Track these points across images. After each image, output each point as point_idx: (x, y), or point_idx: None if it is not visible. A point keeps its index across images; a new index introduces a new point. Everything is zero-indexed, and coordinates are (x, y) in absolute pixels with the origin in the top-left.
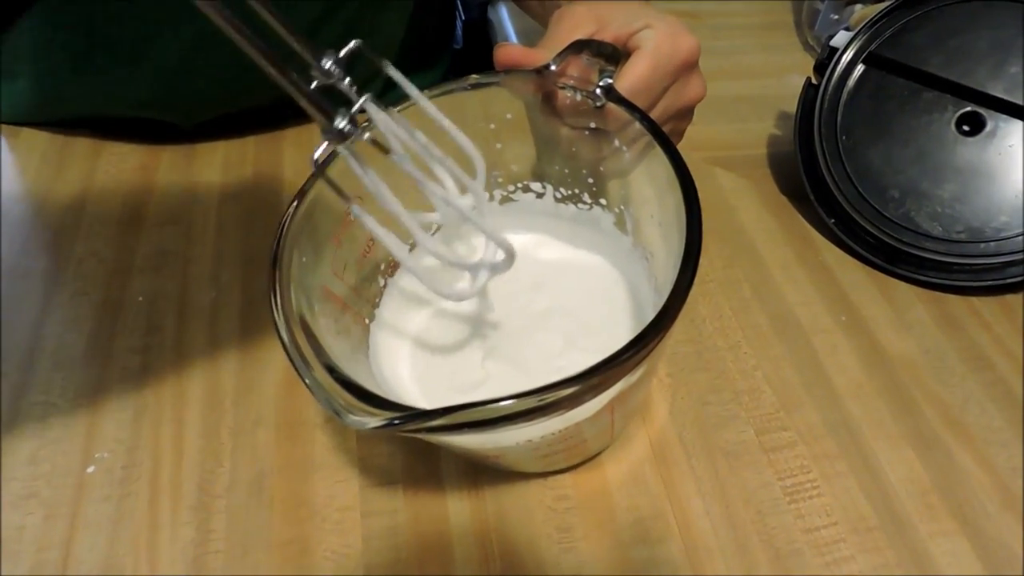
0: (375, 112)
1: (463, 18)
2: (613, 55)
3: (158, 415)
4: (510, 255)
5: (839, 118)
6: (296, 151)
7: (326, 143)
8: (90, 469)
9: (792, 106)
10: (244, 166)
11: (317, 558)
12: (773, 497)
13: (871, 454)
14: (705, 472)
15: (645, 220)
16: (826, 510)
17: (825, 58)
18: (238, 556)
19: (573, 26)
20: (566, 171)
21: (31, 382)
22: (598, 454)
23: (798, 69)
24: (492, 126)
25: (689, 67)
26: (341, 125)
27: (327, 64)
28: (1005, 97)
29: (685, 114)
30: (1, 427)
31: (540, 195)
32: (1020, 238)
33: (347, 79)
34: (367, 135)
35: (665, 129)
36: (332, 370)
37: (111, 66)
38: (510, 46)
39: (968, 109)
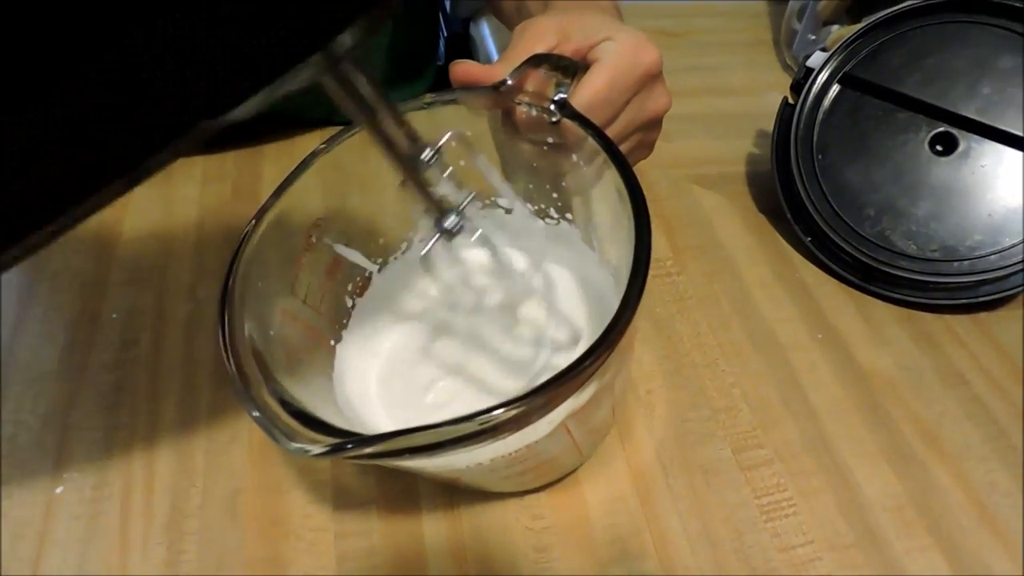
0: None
1: (445, 34)
2: (570, 68)
3: (131, 433)
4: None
5: (815, 137)
6: (275, 166)
7: (435, 238)
8: (59, 489)
9: (771, 124)
10: (223, 180)
11: None
12: (750, 515)
13: (848, 471)
14: (683, 490)
15: (606, 236)
16: (803, 528)
17: (801, 78)
18: None
19: (534, 39)
20: (531, 186)
21: (2, 399)
22: (573, 471)
23: (778, 87)
24: (453, 143)
25: (651, 78)
26: (450, 225)
27: (427, 156)
28: (977, 118)
29: (652, 126)
30: None
31: (509, 211)
32: (993, 257)
33: (446, 171)
34: (477, 234)
35: (631, 142)
36: (280, 397)
37: None
38: (466, 63)
39: (941, 129)
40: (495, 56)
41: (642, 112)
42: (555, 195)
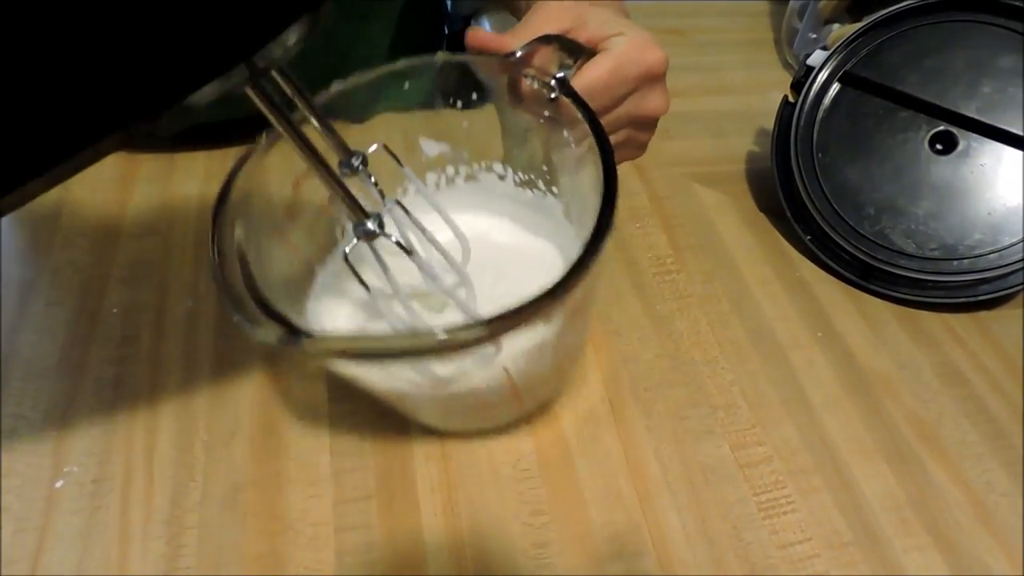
0: (397, 213)
1: (446, 31)
2: (577, 51)
3: (131, 428)
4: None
5: (815, 136)
6: (277, 163)
7: (355, 240)
8: (59, 483)
9: (771, 123)
10: (223, 177)
11: (290, 573)
12: (748, 512)
13: (846, 469)
14: (681, 487)
15: (584, 213)
16: (801, 525)
17: (802, 76)
18: (210, 571)
19: (550, 18)
20: (524, 157)
21: (2, 394)
22: (557, 441)
23: (778, 86)
24: (459, 104)
25: (653, 79)
26: (371, 227)
27: (355, 162)
28: (977, 117)
29: (646, 125)
30: None
31: (502, 177)
32: (992, 256)
33: (372, 177)
34: (394, 238)
35: (621, 135)
36: (255, 294)
37: None
38: (481, 31)
39: (941, 128)
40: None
41: (638, 108)
42: (545, 168)
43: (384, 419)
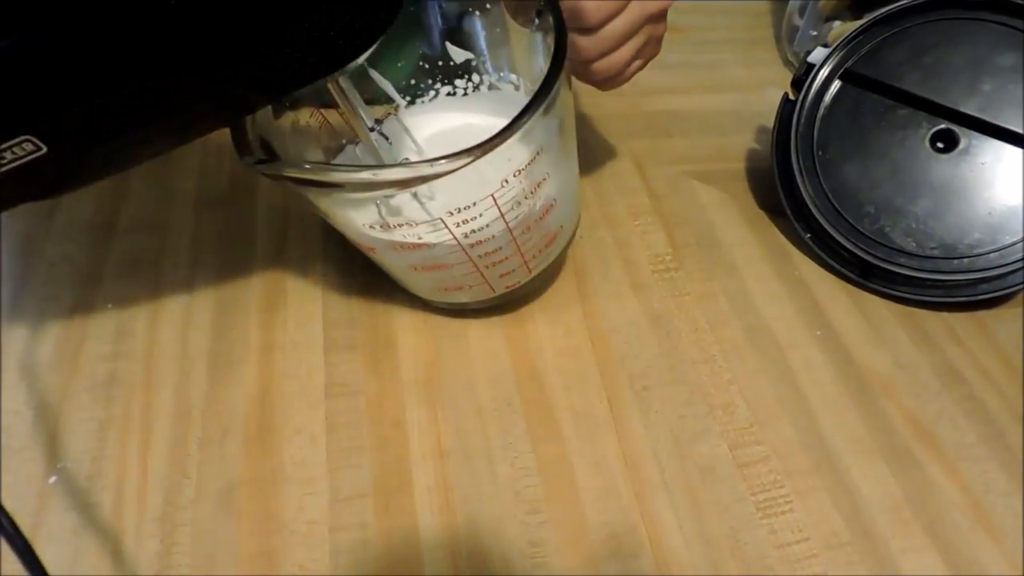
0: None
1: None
2: None
3: (125, 425)
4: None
5: (815, 133)
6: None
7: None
8: (52, 479)
9: (771, 120)
10: (220, 174)
11: (284, 572)
12: (746, 512)
13: (844, 469)
14: (678, 486)
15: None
16: (799, 525)
17: (802, 74)
18: (204, 569)
19: None
20: (526, 66)
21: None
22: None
23: (778, 84)
24: (477, 13)
25: None
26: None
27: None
28: (978, 115)
29: (658, 18)
30: None
31: (517, 87)
32: (993, 255)
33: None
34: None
35: (643, 34)
36: (263, 137)
37: None
38: None
39: (942, 126)
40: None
41: (650, 3)
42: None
43: (382, 417)
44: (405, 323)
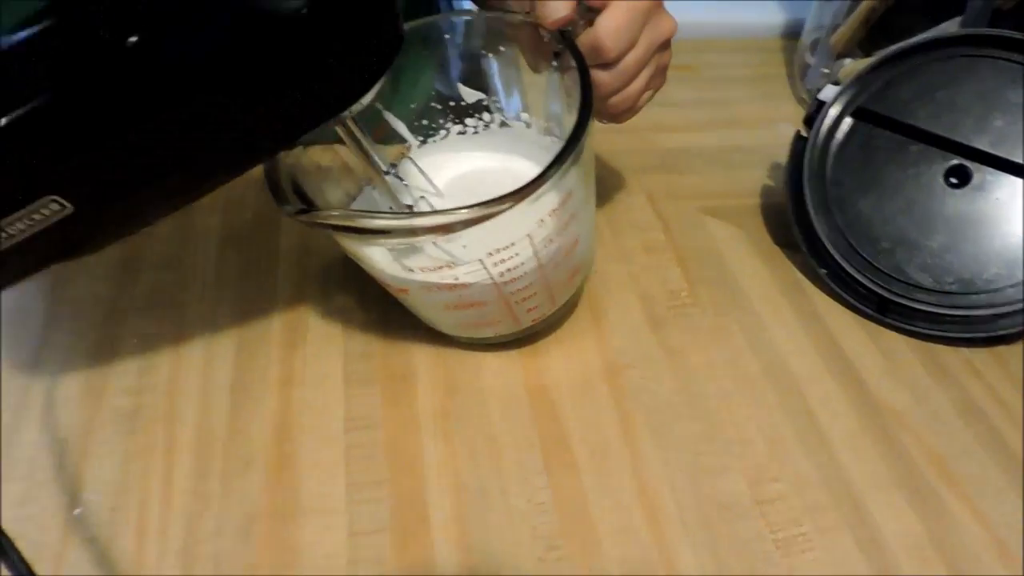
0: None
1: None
2: (586, 11)
3: (148, 457)
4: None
5: (828, 170)
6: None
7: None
8: (77, 511)
9: (784, 157)
10: (244, 210)
11: None
12: (765, 551)
13: (864, 506)
14: (696, 523)
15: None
16: (819, 564)
17: (814, 111)
18: None
19: None
20: (540, 107)
21: (23, 421)
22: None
23: (790, 120)
24: (490, 55)
25: (656, 6)
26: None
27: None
28: (990, 151)
29: (663, 48)
30: None
31: (528, 125)
32: (1011, 290)
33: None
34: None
35: (652, 65)
36: (292, 178)
37: None
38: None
39: (955, 162)
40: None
41: (658, 33)
42: (558, 117)
43: (400, 452)
44: (423, 357)
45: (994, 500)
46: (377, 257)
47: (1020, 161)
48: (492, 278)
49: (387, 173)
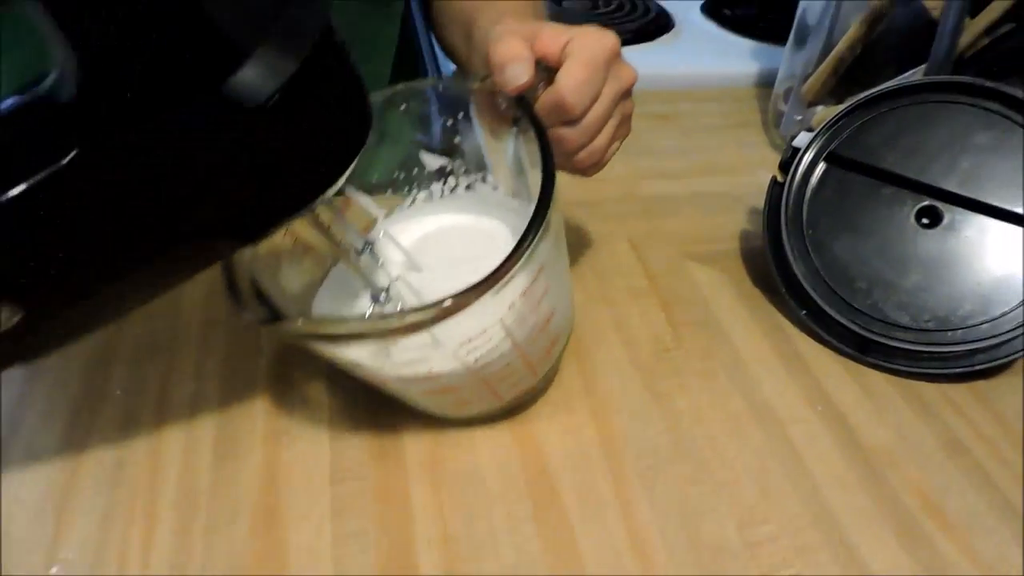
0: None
1: None
2: (542, 71)
3: (130, 513)
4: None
5: (804, 213)
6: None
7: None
8: (54, 569)
9: (761, 201)
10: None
11: None
12: None
13: (854, 545)
14: (687, 566)
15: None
16: None
17: (788, 157)
18: None
19: (513, 38)
20: (504, 170)
21: (3, 473)
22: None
23: (767, 166)
24: (449, 122)
25: (616, 56)
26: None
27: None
28: (959, 191)
29: (626, 95)
30: None
31: (495, 188)
32: (985, 325)
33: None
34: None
35: (616, 116)
36: (254, 281)
37: None
38: (512, 44)
39: (926, 203)
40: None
41: (619, 83)
42: (524, 179)
43: (387, 504)
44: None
45: (982, 535)
46: (347, 357)
47: (988, 201)
48: (466, 366)
49: (361, 252)
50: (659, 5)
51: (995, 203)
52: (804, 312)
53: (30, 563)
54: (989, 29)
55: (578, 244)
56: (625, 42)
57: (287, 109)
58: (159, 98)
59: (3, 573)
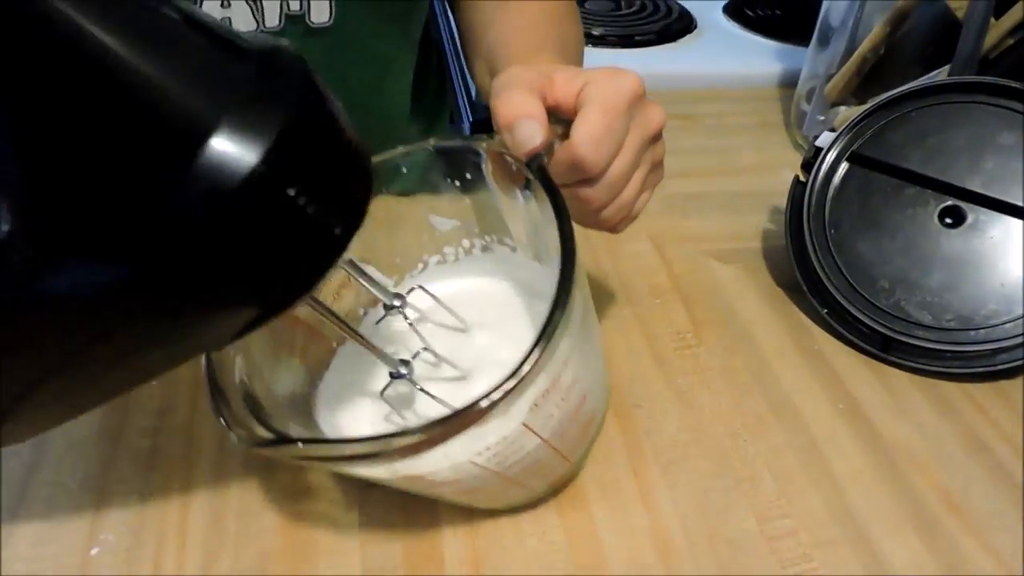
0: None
1: (471, 119)
2: (556, 122)
3: (165, 497)
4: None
5: (827, 213)
6: None
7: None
8: (94, 551)
9: (784, 201)
10: None
11: None
12: None
13: (875, 541)
14: (708, 561)
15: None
16: None
17: (811, 157)
18: None
19: (524, 85)
20: (522, 230)
21: (43, 461)
22: (584, 516)
23: (789, 165)
24: (457, 183)
25: (639, 98)
26: (403, 371)
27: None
28: (983, 191)
29: (655, 140)
30: (2, 509)
31: (513, 249)
32: (1008, 325)
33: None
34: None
35: (645, 164)
36: (247, 395)
37: None
38: (516, 97)
39: (949, 203)
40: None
41: (645, 129)
42: (543, 242)
43: (413, 497)
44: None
45: (1004, 533)
46: (361, 472)
47: (1012, 201)
48: (490, 470)
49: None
50: (681, 6)
51: (1019, 203)
52: (826, 311)
53: (71, 545)
54: (1014, 30)
55: (600, 243)
56: (648, 43)
57: (278, 174)
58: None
59: (47, 553)
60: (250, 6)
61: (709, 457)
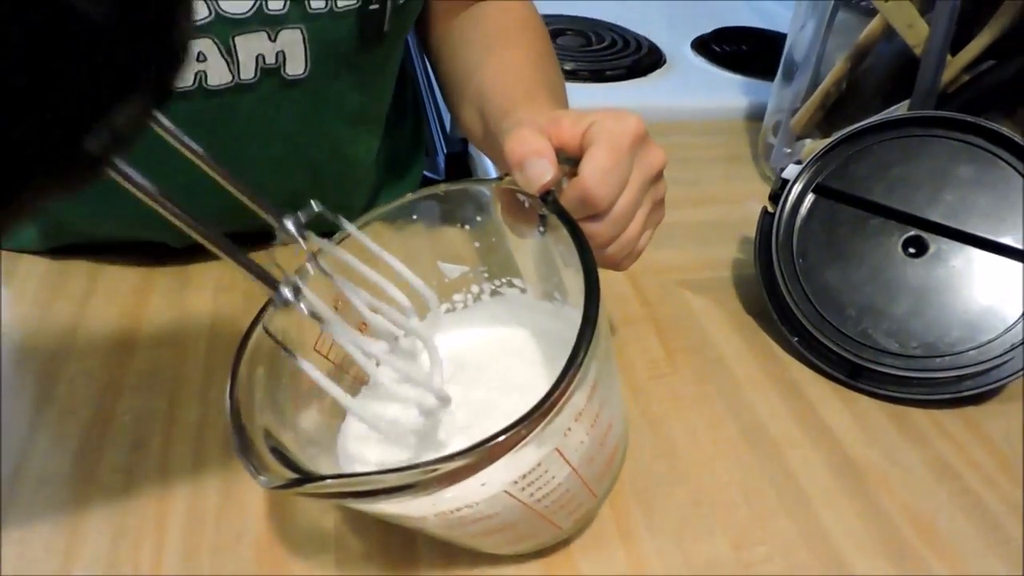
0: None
1: (445, 151)
2: (564, 162)
3: (139, 535)
4: (443, 401)
5: (795, 243)
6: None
7: (272, 308)
8: None
9: (753, 231)
10: (235, 290)
11: None
12: None
13: (847, 566)
14: None
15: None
16: None
17: (778, 188)
18: None
19: (534, 128)
20: (534, 271)
21: (15, 500)
22: (560, 545)
23: (758, 197)
24: (466, 227)
25: (642, 139)
26: (287, 295)
27: (288, 225)
28: (943, 222)
29: (657, 179)
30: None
31: (523, 291)
32: (972, 352)
33: (304, 241)
34: (304, 308)
35: (648, 201)
36: (268, 435)
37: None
38: (527, 135)
39: (912, 233)
40: (492, 174)
41: (648, 168)
42: (555, 279)
43: (390, 530)
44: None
45: (975, 560)
46: (390, 510)
47: (972, 231)
48: (522, 502)
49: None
50: (651, 42)
51: (979, 233)
52: (796, 339)
53: None
54: (969, 66)
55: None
56: (618, 77)
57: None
58: None
59: None
60: (225, 59)
61: (684, 484)
